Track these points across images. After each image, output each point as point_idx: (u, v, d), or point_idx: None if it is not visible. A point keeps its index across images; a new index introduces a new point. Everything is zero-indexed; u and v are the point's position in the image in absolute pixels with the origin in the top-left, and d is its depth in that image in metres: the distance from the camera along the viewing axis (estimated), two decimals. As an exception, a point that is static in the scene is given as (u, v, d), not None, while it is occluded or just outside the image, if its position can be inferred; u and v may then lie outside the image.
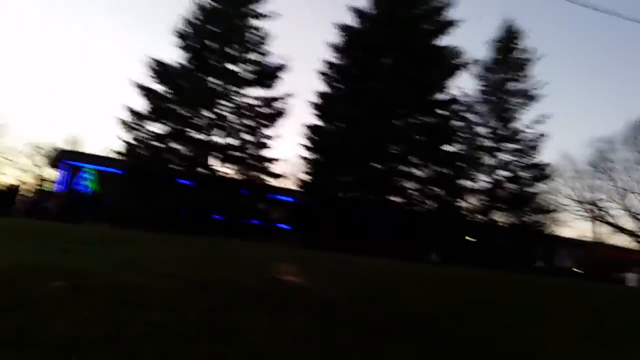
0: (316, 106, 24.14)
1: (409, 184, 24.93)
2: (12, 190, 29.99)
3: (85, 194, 29.22)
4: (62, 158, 32.44)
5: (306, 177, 24.55)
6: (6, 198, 27.28)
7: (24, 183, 37.06)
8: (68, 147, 42.57)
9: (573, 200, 34.92)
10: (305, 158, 24.40)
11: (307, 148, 24.36)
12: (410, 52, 22.60)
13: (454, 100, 25.24)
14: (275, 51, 25.13)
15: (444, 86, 24.55)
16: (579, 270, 36.26)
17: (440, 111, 25.31)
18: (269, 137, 25.64)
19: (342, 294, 8.07)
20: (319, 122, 24.18)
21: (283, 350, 4.91)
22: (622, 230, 35.87)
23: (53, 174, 38.50)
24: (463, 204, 30.01)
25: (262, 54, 24.65)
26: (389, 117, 22.25)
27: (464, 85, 30.86)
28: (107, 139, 39.87)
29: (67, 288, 5.95)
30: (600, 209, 35.11)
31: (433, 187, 25.56)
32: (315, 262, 13.35)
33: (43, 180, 45.81)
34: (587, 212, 36.19)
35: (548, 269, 34.48)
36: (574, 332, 7.30)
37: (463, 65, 24.87)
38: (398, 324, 6.61)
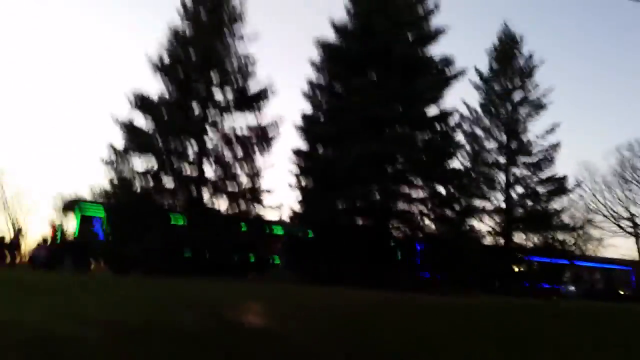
0: (301, 129, 22.87)
1: (410, 207, 23.15)
2: (13, 240, 29.48)
3: (82, 239, 28.42)
4: (71, 205, 31.90)
5: (298, 207, 23.07)
6: (9, 247, 26.73)
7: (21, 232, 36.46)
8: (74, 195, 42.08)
9: (605, 215, 32.12)
10: (295, 186, 23.02)
11: (296, 175, 23.01)
12: (394, 63, 21.25)
13: (449, 113, 23.59)
14: (261, 74, 24.13)
15: (436, 98, 23.01)
16: (624, 293, 33.15)
17: (437, 126, 23.70)
18: (261, 167, 24.55)
19: (307, 334, 6.86)
20: (305, 146, 22.87)
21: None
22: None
23: (68, 222, 37.99)
24: (478, 225, 28.02)
25: (246, 77, 23.70)
26: (377, 134, 20.74)
27: (466, 97, 29.11)
28: (94, 181, 39.04)
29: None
30: (635, 221, 32.13)
31: (438, 208, 23.71)
32: (294, 298, 12.17)
33: (56, 228, 45.49)
34: (623, 227, 33.28)
35: (586, 293, 31.65)
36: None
37: (455, 76, 23.32)
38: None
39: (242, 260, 23.60)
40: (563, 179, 27.39)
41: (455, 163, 24.77)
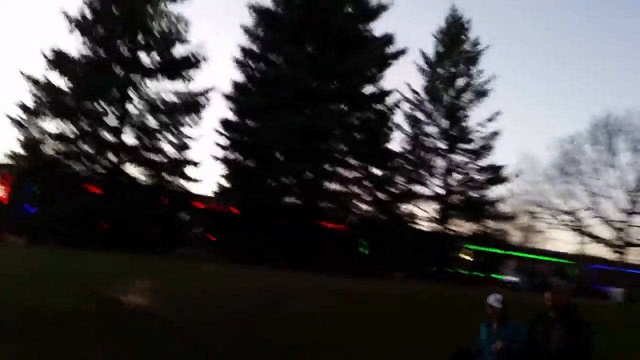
0: (231, 99, 21.53)
1: (343, 187, 22.27)
2: None
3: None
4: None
5: (226, 181, 21.81)
6: None
7: None
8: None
9: (544, 207, 31.92)
10: (222, 159, 21.70)
11: (224, 148, 21.70)
12: (331, 36, 20.16)
13: (388, 93, 22.76)
14: (192, 39, 22.57)
15: (375, 77, 22.15)
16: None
17: (375, 105, 22.86)
18: (187, 137, 23.13)
19: (189, 317, 6.88)
20: (234, 117, 21.56)
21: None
22: (598, 239, 32.79)
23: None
24: (416, 211, 27.43)
25: (175, 41, 22.15)
26: (310, 109, 19.66)
27: (411, 80, 28.27)
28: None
29: None
30: (575, 216, 32.06)
31: (372, 190, 22.95)
32: (193, 278, 11.30)
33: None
34: (563, 220, 33.18)
35: (539, 285, 31.54)
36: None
37: (396, 55, 22.47)
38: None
39: (161, 234, 22.30)
40: (501, 168, 27.09)
41: (394, 146, 24.04)
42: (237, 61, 21.71)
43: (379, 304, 10.25)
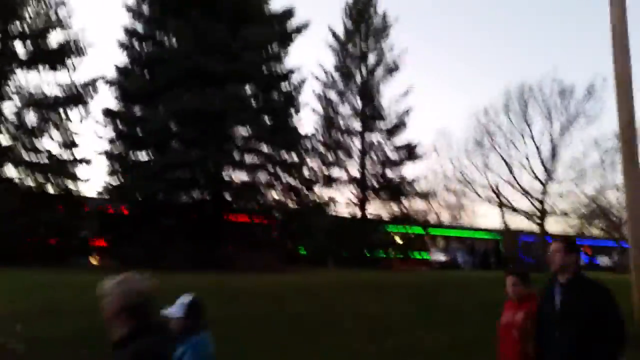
0: (115, 85, 19.43)
1: (249, 176, 20.72)
2: None
3: None
4: None
5: (113, 178, 19.76)
6: None
7: None
8: None
9: (462, 182, 31.61)
10: (106, 153, 19.63)
11: (110, 140, 19.64)
12: (222, 11, 18.45)
13: (292, 72, 21.38)
14: (74, 24, 20.29)
15: (277, 55, 20.74)
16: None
17: (280, 86, 21.44)
18: (74, 133, 20.87)
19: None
20: (118, 105, 19.51)
21: None
22: (519, 212, 32.94)
23: None
24: (335, 196, 26.34)
25: (55, 28, 19.81)
26: (201, 89, 17.90)
27: (322, 60, 27.07)
28: None
29: None
30: (495, 190, 31.95)
31: (282, 176, 21.53)
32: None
33: None
34: (483, 196, 33.06)
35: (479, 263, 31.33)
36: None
37: (299, 30, 21.10)
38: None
39: (51, 244, 20.02)
40: (416, 145, 26.41)
41: (305, 128, 22.73)
42: (121, 44, 19.56)
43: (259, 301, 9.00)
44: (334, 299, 9.72)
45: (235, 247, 19.39)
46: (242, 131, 20.59)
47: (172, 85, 18.19)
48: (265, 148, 21.18)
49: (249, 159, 20.95)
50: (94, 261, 21.90)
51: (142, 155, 19.66)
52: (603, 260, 34.30)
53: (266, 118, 20.96)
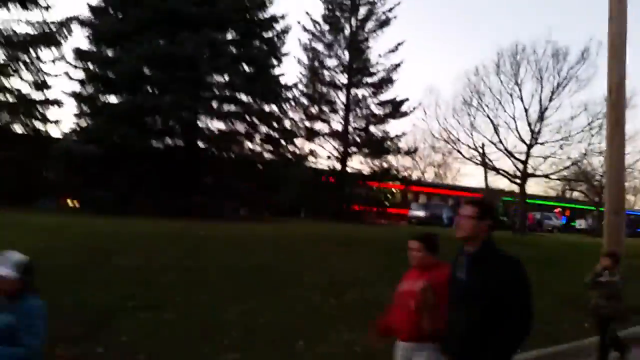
0: (87, 25, 18.60)
1: (224, 124, 20.22)
2: None
3: None
4: None
5: (80, 120, 19.21)
6: None
7: None
8: None
9: (448, 142, 31.18)
10: (74, 94, 18.99)
11: (81, 82, 18.97)
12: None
13: (276, 19, 20.55)
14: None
15: (257, 1, 19.87)
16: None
17: (263, 33, 20.66)
18: (46, 74, 20.17)
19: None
20: (90, 47, 18.75)
21: None
22: (498, 172, 32.63)
23: None
24: (317, 149, 26.02)
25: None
26: (174, 33, 17.16)
27: (310, 9, 26.24)
28: None
29: None
30: (480, 150, 31.54)
31: (259, 127, 21.05)
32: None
33: None
34: (469, 156, 32.65)
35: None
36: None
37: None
38: None
39: (17, 184, 19.58)
40: (403, 102, 25.83)
41: (288, 79, 22.02)
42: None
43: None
44: (302, 252, 9.59)
45: (207, 196, 19.06)
46: (220, 79, 19.96)
47: (146, 27, 17.46)
48: (244, 97, 20.62)
49: (226, 107, 20.43)
50: (66, 204, 21.65)
51: (113, 99, 19.05)
52: (580, 223, 34.59)
53: (245, 66, 20.33)
